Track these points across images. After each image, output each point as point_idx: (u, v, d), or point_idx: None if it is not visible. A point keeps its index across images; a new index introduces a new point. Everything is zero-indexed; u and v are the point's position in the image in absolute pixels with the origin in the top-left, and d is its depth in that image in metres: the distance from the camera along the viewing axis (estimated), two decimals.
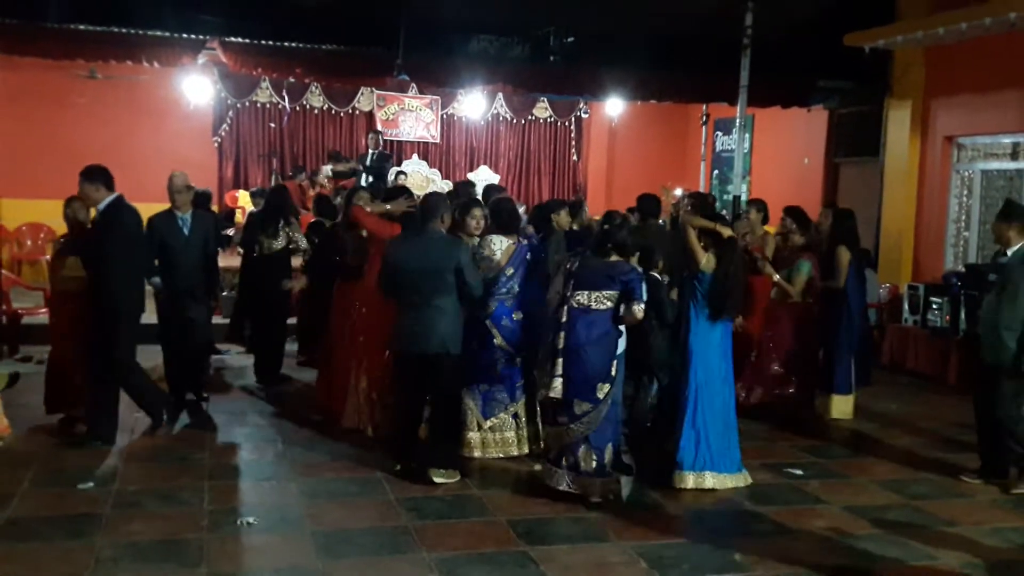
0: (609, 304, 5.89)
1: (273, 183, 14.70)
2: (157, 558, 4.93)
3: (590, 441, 5.90)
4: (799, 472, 6.83)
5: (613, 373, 5.93)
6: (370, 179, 13.71)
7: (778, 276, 8.04)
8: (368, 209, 7.50)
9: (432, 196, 6.84)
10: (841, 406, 8.40)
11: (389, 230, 7.09)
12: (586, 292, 5.89)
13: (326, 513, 5.68)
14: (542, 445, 6.52)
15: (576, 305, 5.89)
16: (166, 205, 7.60)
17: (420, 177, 15.85)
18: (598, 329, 5.88)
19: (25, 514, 5.51)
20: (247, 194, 13.63)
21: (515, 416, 6.84)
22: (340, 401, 7.44)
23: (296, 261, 9.53)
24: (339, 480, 6.28)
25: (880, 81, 12.19)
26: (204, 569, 4.81)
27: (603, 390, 5.87)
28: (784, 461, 7.07)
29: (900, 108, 11.98)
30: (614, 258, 6.00)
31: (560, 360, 5.86)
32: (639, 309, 5.85)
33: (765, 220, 8.84)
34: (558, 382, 5.85)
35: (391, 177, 14.22)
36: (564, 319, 5.89)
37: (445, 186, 15.94)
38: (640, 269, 6.18)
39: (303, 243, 9.11)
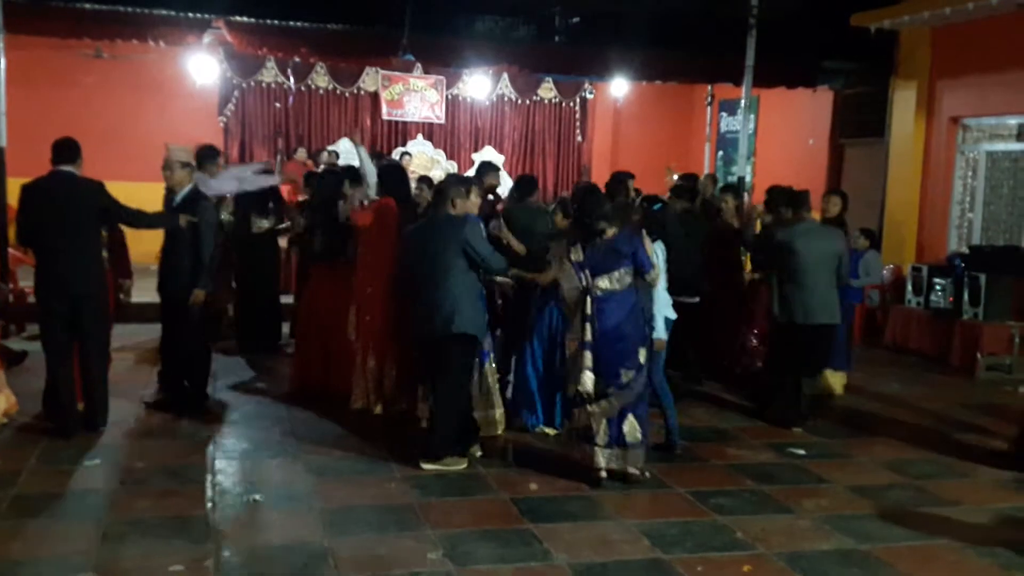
0: (629, 280, 5.93)
1: (278, 163, 14.75)
2: (164, 535, 4.97)
3: (636, 412, 5.94)
4: (801, 452, 6.87)
5: (647, 334, 6.08)
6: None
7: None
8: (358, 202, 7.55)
9: (444, 179, 6.83)
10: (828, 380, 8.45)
11: (365, 220, 7.11)
12: (604, 277, 5.89)
13: (332, 490, 5.72)
14: (573, 426, 6.10)
15: (600, 293, 5.88)
16: None
17: (425, 158, 15.87)
18: (627, 304, 5.93)
19: (32, 491, 5.55)
20: None
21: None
22: (347, 382, 7.43)
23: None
24: (346, 458, 6.32)
25: (886, 62, 12.15)
26: (211, 546, 4.85)
27: (642, 354, 5.95)
28: (786, 441, 7.11)
29: (906, 89, 11.95)
30: (610, 232, 5.96)
31: (588, 353, 5.86)
32: (653, 277, 6.02)
33: (740, 206, 9.06)
34: (587, 376, 5.85)
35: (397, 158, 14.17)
36: (589, 311, 5.89)
37: (451, 167, 16.00)
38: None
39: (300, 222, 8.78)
